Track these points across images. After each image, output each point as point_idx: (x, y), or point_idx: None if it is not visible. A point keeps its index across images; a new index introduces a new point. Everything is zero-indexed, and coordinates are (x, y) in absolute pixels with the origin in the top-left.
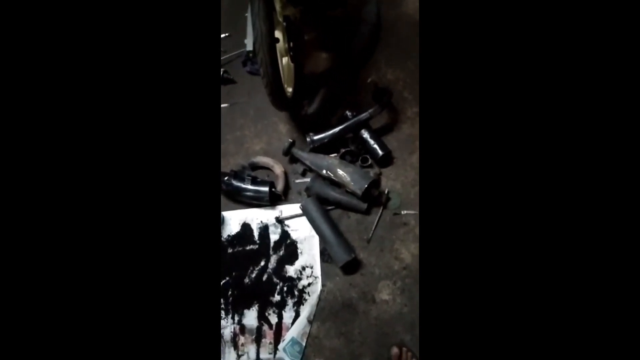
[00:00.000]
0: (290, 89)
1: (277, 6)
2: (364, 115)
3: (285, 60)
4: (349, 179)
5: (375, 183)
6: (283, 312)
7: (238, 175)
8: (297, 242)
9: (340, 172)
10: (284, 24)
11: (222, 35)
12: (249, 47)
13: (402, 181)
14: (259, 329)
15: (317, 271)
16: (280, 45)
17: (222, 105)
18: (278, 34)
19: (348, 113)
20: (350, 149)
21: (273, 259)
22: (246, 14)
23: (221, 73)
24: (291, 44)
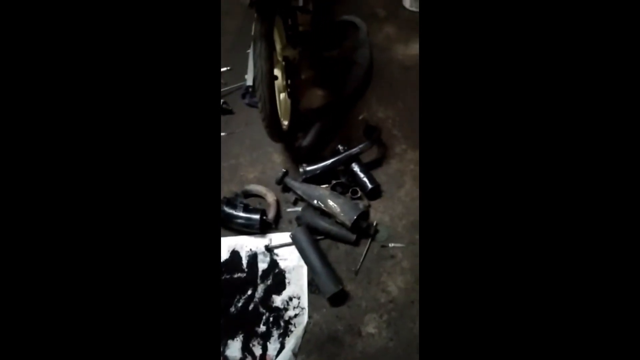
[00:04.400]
0: (286, 122)
1: (278, 47)
2: (355, 150)
3: (282, 95)
4: (339, 209)
5: (365, 215)
6: (268, 343)
7: (230, 202)
8: (285, 271)
9: (331, 202)
10: (283, 63)
11: (224, 69)
12: (249, 82)
13: (390, 214)
14: None
15: (304, 302)
16: (279, 82)
17: (220, 134)
18: (277, 71)
19: (340, 147)
20: (341, 181)
21: (260, 288)
22: (248, 51)
23: (220, 103)
24: (289, 82)
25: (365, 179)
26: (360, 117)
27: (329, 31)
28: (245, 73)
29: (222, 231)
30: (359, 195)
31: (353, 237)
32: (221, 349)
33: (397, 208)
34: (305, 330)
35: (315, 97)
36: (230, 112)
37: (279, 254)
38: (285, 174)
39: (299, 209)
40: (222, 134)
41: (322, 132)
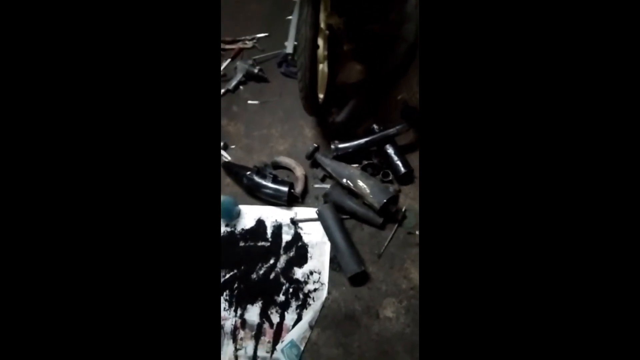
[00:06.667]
0: (321, 96)
1: (322, 15)
2: (391, 131)
3: (321, 66)
4: (368, 191)
5: (394, 199)
6: (286, 313)
7: (260, 171)
8: (308, 245)
9: (361, 183)
10: (327, 32)
11: (261, 35)
12: (289, 50)
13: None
14: (259, 326)
15: (325, 278)
16: (320, 52)
17: (253, 102)
18: (319, 40)
19: (375, 126)
20: (372, 162)
21: (282, 259)
22: (288, 17)
23: (256, 71)
24: (330, 52)
25: (398, 162)
26: (399, 97)
27: (374, 0)
28: (284, 40)
29: (249, 199)
30: (390, 178)
31: (380, 220)
32: (241, 312)
33: None
34: (323, 306)
35: (354, 71)
36: (265, 79)
37: (304, 228)
38: (317, 149)
39: (327, 185)
40: (256, 102)
41: (357, 109)
